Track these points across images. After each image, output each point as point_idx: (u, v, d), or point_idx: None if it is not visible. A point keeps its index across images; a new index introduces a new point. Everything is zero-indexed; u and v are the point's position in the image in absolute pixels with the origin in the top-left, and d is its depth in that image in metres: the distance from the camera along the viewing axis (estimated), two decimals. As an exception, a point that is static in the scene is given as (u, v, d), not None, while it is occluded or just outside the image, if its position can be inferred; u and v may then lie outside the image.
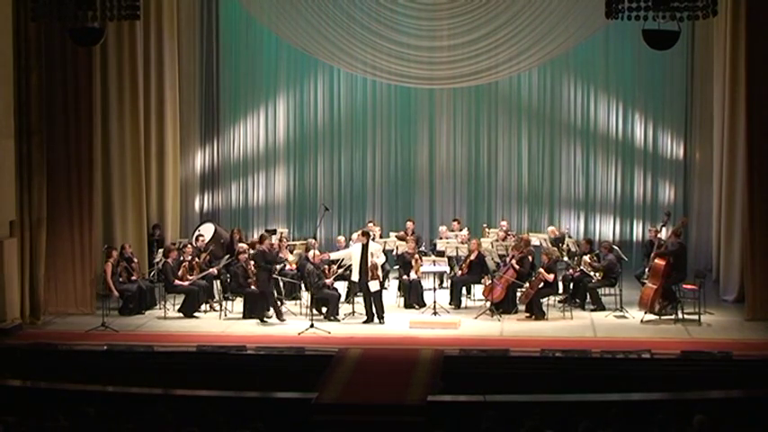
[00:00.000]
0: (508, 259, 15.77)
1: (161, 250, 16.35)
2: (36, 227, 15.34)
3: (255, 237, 18.56)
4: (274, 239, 17.19)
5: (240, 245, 16.35)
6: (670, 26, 11.49)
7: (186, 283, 15.80)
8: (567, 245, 16.91)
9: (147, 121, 17.73)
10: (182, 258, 16.02)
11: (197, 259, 16.20)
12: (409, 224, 17.94)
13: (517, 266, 15.50)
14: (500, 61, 18.60)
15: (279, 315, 15.23)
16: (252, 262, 15.48)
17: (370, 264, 15.17)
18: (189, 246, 16.39)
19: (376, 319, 15.17)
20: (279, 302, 15.43)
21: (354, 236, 17.10)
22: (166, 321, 15.45)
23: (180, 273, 15.82)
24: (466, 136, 19.81)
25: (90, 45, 13.73)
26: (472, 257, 16.10)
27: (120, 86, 17.09)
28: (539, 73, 19.47)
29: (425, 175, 19.90)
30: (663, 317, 15.05)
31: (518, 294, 15.66)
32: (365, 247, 15.25)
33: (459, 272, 16.23)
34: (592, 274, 15.85)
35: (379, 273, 15.34)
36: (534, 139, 19.70)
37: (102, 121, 16.66)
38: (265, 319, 15.26)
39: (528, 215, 19.77)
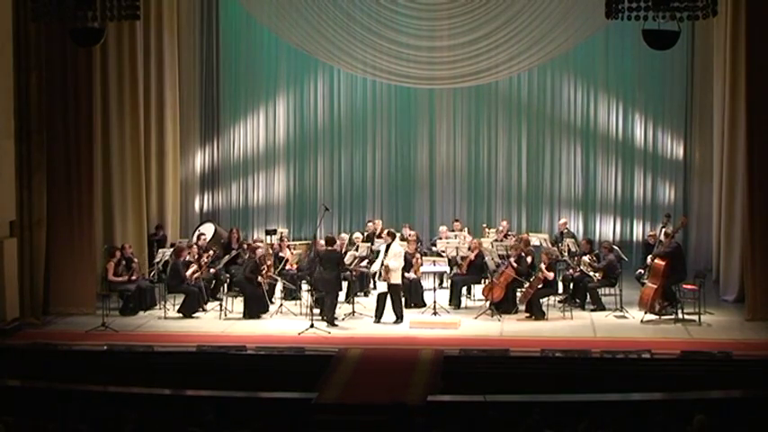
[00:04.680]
0: (507, 258, 15.79)
1: (162, 250, 16.34)
2: (36, 227, 15.34)
3: (257, 235, 18.64)
4: (275, 240, 17.20)
5: (257, 242, 16.34)
6: (670, 26, 11.49)
7: (194, 280, 15.76)
8: (567, 244, 16.90)
9: (147, 121, 17.72)
10: (187, 258, 15.99)
11: (204, 259, 16.18)
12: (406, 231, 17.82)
13: (515, 265, 15.50)
14: (500, 61, 18.61)
15: (331, 321, 15.08)
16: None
17: (383, 265, 15.23)
18: (194, 246, 16.38)
19: (389, 319, 15.25)
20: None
21: (357, 234, 17.11)
22: (166, 321, 15.45)
23: (188, 273, 15.79)
24: (466, 136, 19.81)
25: (90, 45, 13.71)
26: (472, 257, 16.10)
27: (120, 86, 17.08)
28: (539, 73, 19.47)
29: (425, 175, 19.91)
30: (663, 317, 15.06)
31: (518, 295, 15.66)
32: (388, 247, 15.32)
33: (458, 270, 16.17)
34: (591, 274, 15.85)
35: (391, 275, 15.31)
36: (534, 139, 19.70)
37: (102, 121, 16.65)
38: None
39: (528, 215, 19.77)
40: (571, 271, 16.22)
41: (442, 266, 16.22)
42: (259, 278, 15.53)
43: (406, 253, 16.28)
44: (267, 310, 15.65)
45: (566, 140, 19.62)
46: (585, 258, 16.00)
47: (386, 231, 15.87)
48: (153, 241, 17.40)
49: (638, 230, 19.32)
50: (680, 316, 15.01)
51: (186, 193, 19.45)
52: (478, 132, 19.84)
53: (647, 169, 19.41)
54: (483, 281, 16.17)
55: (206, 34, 19.88)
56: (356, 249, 16.42)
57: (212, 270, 16.14)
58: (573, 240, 17.09)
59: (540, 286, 15.31)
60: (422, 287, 16.30)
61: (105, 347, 13.74)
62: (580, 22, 18.10)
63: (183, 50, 19.05)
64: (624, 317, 15.43)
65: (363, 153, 20.08)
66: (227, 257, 16.45)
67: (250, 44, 20.07)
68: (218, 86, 20.08)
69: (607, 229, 19.54)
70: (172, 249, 16.63)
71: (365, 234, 17.50)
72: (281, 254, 16.51)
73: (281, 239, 17.03)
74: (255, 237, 18.59)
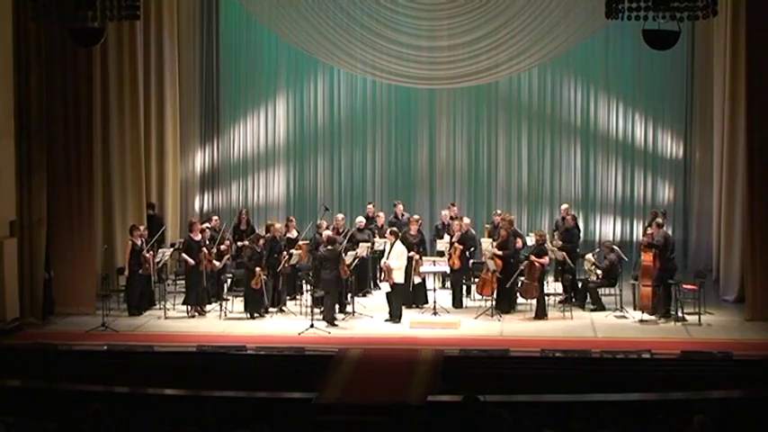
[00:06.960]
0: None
1: (162, 250, 16.27)
2: (36, 227, 15.33)
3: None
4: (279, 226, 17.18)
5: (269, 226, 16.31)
6: (670, 26, 11.50)
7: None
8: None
9: (147, 121, 17.73)
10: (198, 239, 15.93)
11: (222, 246, 16.12)
12: (400, 207, 17.74)
13: (500, 252, 15.44)
14: (500, 61, 18.63)
15: (331, 320, 15.06)
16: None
17: (384, 264, 15.22)
18: (206, 230, 16.26)
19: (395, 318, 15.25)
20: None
21: (360, 218, 17.10)
22: (166, 321, 15.45)
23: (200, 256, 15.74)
24: (466, 136, 19.83)
25: (90, 45, 13.73)
26: (455, 240, 15.95)
27: (120, 86, 17.07)
28: (539, 73, 19.48)
29: (425, 176, 19.92)
30: (662, 317, 15.05)
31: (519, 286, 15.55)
32: (391, 247, 15.34)
33: (450, 259, 16.05)
34: (592, 272, 15.85)
35: (393, 275, 15.29)
36: (534, 139, 19.71)
37: (102, 121, 16.64)
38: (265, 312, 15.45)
39: (528, 215, 19.77)
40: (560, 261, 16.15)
41: (442, 266, 16.18)
42: (257, 269, 15.39)
43: (407, 234, 16.12)
44: (264, 306, 15.54)
45: (566, 140, 19.63)
46: (589, 256, 16.02)
47: (389, 231, 15.84)
48: (150, 216, 17.33)
49: (638, 230, 19.27)
50: (680, 316, 15.01)
51: (186, 193, 19.46)
52: (478, 132, 19.85)
53: (647, 169, 19.43)
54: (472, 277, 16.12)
55: (206, 34, 19.90)
56: (357, 246, 16.34)
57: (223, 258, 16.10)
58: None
59: (538, 275, 15.20)
60: (425, 287, 16.24)
61: (105, 347, 13.74)
62: (580, 22, 18.12)
63: (183, 50, 19.07)
64: (624, 317, 15.43)
65: (363, 153, 20.09)
66: (226, 257, 16.33)
67: (250, 44, 20.08)
68: (218, 86, 20.10)
69: (607, 229, 19.55)
70: (172, 249, 16.62)
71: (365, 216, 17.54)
72: (288, 235, 16.44)
73: (288, 219, 16.98)
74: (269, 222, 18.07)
